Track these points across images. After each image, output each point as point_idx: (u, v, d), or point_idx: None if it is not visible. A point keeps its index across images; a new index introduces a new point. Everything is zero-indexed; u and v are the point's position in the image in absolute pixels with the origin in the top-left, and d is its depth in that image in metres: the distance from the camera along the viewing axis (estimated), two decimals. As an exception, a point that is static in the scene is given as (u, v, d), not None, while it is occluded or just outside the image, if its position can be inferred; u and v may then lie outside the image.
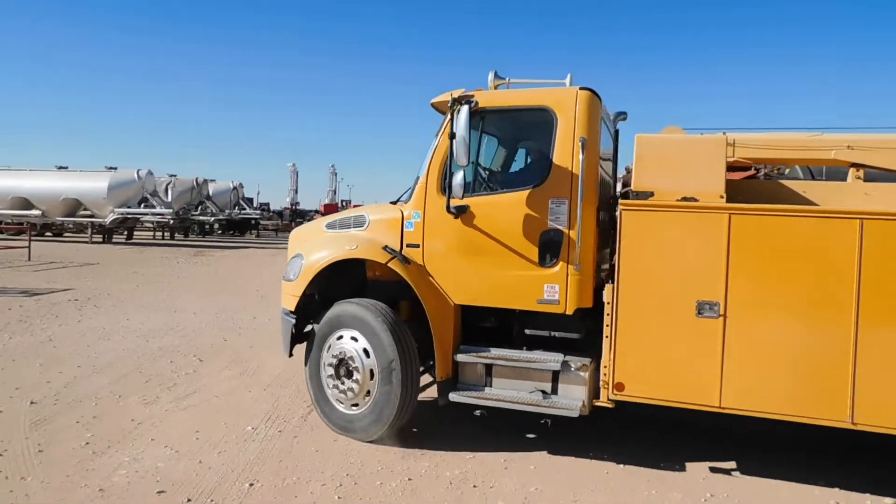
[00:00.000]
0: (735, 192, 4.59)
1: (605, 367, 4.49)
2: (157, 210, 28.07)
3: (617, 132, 5.82)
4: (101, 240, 28.44)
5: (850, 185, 4.86)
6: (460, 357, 4.88)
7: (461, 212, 4.83)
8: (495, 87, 5.27)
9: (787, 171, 6.17)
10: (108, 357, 7.38)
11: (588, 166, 4.57)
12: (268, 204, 52.28)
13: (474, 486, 4.23)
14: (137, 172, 27.99)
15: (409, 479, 4.29)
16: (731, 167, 4.88)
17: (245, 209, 40.01)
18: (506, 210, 4.79)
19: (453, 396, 4.83)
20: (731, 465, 4.72)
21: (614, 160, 5.85)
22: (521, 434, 5.21)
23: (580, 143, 4.57)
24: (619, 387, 4.45)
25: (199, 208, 33.92)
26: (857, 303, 4.01)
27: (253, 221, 39.42)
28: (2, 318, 9.52)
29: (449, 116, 4.82)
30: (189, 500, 3.91)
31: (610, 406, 4.56)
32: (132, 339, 8.36)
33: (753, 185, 5.30)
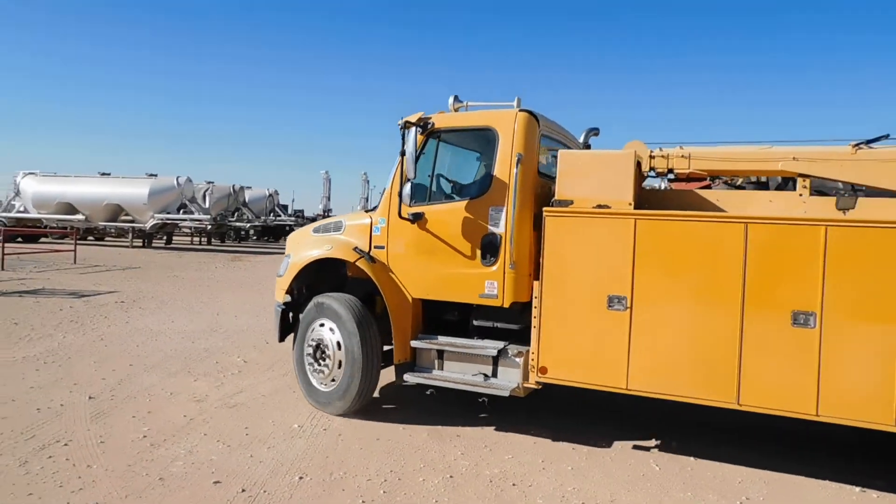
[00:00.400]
0: (652, 201, 5.32)
1: (533, 353, 5.11)
2: (196, 216, 28.72)
3: (588, 146, 6.47)
4: (141, 244, 29.20)
5: (758, 193, 5.53)
6: (415, 343, 5.63)
7: (417, 218, 5.57)
8: (455, 110, 5.90)
9: (739, 180, 6.49)
10: (156, 356, 7.70)
11: (523, 178, 5.24)
12: (302, 211, 52.97)
13: (513, 485, 4.38)
14: (177, 179, 28.73)
15: (451, 477, 4.46)
16: (688, 178, 5.57)
17: (280, 216, 40.73)
18: (455, 217, 5.49)
19: (407, 377, 5.59)
20: (766, 467, 4.79)
21: None
22: (559, 437, 5.34)
23: (516, 158, 5.22)
24: (543, 370, 5.07)
25: (236, 214, 34.59)
26: (742, 297, 4.51)
27: (287, 227, 40.03)
28: (55, 318, 9.94)
29: (401, 136, 5.50)
30: (243, 490, 4.13)
31: (537, 388, 5.16)
32: (178, 340, 8.68)
33: (669, 193, 5.81)
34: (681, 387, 4.68)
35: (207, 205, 31.09)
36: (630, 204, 4.94)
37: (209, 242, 33.45)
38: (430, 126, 5.66)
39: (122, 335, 8.89)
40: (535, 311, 5.10)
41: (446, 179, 6.02)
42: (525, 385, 5.17)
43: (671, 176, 5.51)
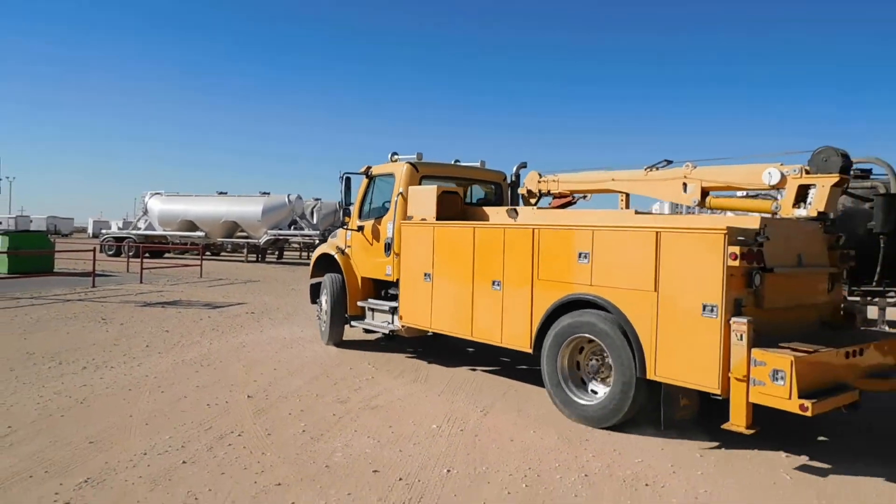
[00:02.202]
0: (468, 215, 8.44)
1: (399, 308, 8.36)
2: (306, 231, 30.26)
3: (518, 176, 9.50)
4: (255, 259, 31.05)
5: (503, 209, 8.20)
6: (360, 303, 9.15)
7: (360, 229, 9.22)
8: (392, 160, 9.10)
9: (585, 197, 8.86)
10: (296, 362, 8.42)
11: (402, 205, 8.50)
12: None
13: (646, 485, 4.65)
14: (288, 197, 30.39)
15: (586, 476, 4.79)
16: (556, 195, 8.72)
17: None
18: (375, 228, 9.01)
19: (353, 323, 9.27)
20: (901, 483, 4.82)
21: (511, 196, 9.53)
22: (686, 444, 5.54)
23: (399, 194, 8.57)
24: (401, 318, 8.30)
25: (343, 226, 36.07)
26: (472, 272, 7.34)
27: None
28: (198, 327, 10.97)
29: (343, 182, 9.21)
30: (400, 479, 4.62)
31: (403, 331, 8.39)
32: (311, 348, 9.42)
33: (475, 210, 8.68)
34: (453, 326, 7.64)
35: (315, 221, 32.70)
36: (434, 218, 8.00)
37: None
38: (369, 172, 9.35)
39: (260, 343, 9.74)
40: (399, 283, 8.37)
41: (371, 205, 9.34)
42: (400, 325, 8.34)
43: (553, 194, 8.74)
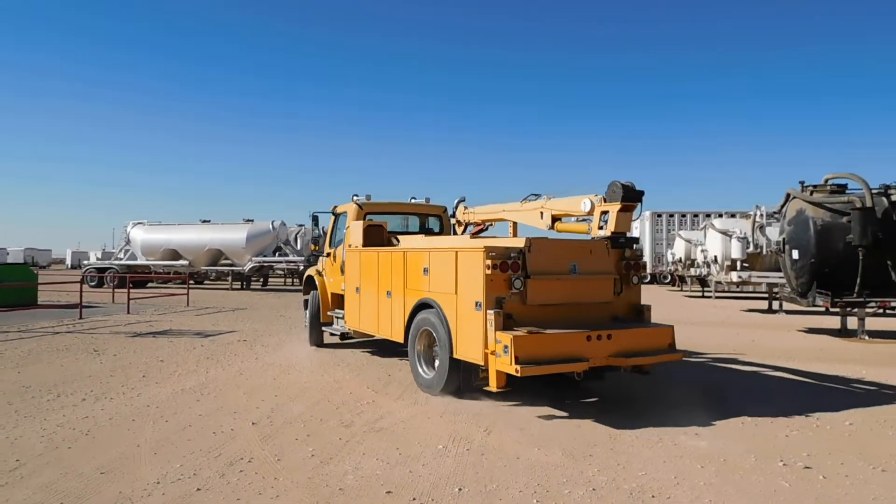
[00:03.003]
0: (380, 244, 10.23)
1: (344, 315, 10.83)
2: (291, 258, 30.27)
3: (456, 207, 11.03)
4: (239, 286, 30.96)
5: (408, 237, 10.70)
6: (329, 313, 11.66)
7: (328, 255, 11.76)
8: (352, 201, 11.29)
9: (492, 225, 10.77)
10: (295, 388, 8.48)
11: (348, 236, 10.75)
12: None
13: (652, 497, 4.79)
14: (272, 223, 30.47)
15: (594, 490, 4.92)
16: (475, 224, 10.59)
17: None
18: (337, 254, 11.37)
19: (325, 328, 11.68)
20: None
21: (446, 227, 11.94)
22: (687, 457, 5.71)
23: (347, 227, 10.90)
24: (346, 322, 10.65)
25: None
26: (377, 284, 9.48)
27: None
28: (192, 356, 10.98)
29: (312, 219, 12.80)
30: (414, 499, 4.71)
31: (351, 332, 10.77)
32: (308, 374, 9.49)
33: (385, 234, 10.51)
34: (370, 327, 9.84)
35: (300, 247, 32.74)
36: (360, 245, 10.16)
37: (301, 283, 35.01)
38: (335, 210, 11.87)
39: (258, 370, 9.78)
40: (345, 296, 10.75)
41: (336, 237, 11.70)
42: (347, 328, 10.73)
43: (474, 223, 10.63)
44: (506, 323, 7.01)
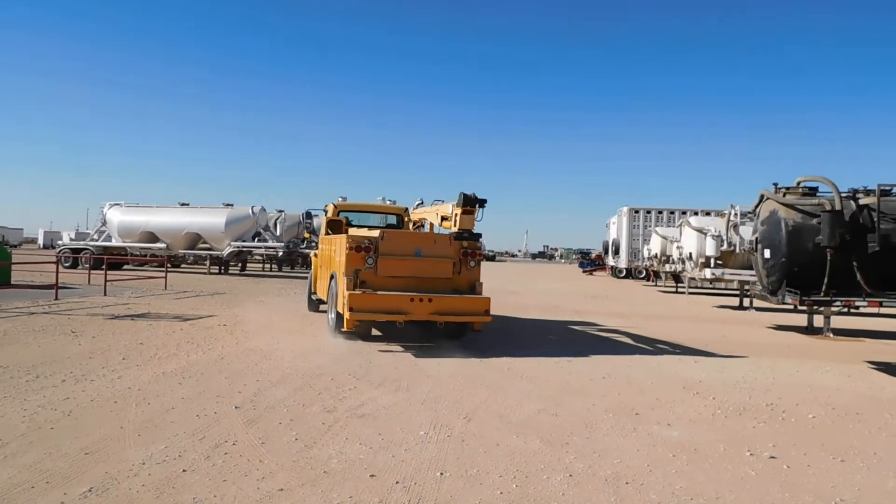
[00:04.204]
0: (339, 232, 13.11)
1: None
2: (270, 244, 30.16)
3: (420, 205, 14.41)
4: (217, 271, 30.78)
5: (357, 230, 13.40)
6: (319, 294, 14.47)
7: (317, 247, 15.69)
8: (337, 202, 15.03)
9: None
10: (277, 374, 8.56)
11: (322, 227, 14.82)
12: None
13: (627, 483, 4.98)
14: (252, 208, 30.30)
15: (571, 476, 5.10)
16: (415, 222, 14.67)
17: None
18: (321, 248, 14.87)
19: (312, 297, 15.44)
20: (856, 475, 5.27)
21: (406, 224, 15.15)
22: (659, 446, 5.93)
23: (324, 222, 14.42)
24: (316, 293, 14.82)
25: (305, 242, 36.04)
26: (330, 266, 12.40)
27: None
28: (172, 340, 10.98)
29: (303, 217, 19.57)
30: (397, 482, 4.85)
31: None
32: (290, 360, 9.56)
33: (343, 227, 13.07)
34: (324, 295, 12.75)
35: (279, 232, 32.62)
36: (328, 233, 13.57)
37: (280, 269, 34.85)
38: (326, 209, 14.84)
39: (239, 354, 9.83)
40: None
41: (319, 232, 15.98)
42: (318, 297, 14.71)
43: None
44: (361, 286, 10.51)
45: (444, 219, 11.81)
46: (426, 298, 10.16)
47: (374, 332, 12.48)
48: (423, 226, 13.96)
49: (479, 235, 10.95)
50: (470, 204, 10.66)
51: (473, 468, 5.20)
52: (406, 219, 15.01)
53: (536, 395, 7.83)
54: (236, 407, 6.85)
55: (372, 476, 4.97)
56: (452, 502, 4.54)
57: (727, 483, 5.05)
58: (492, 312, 10.81)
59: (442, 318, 10.31)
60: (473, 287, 10.97)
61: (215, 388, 7.64)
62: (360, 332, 11.31)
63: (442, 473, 5.07)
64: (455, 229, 10.84)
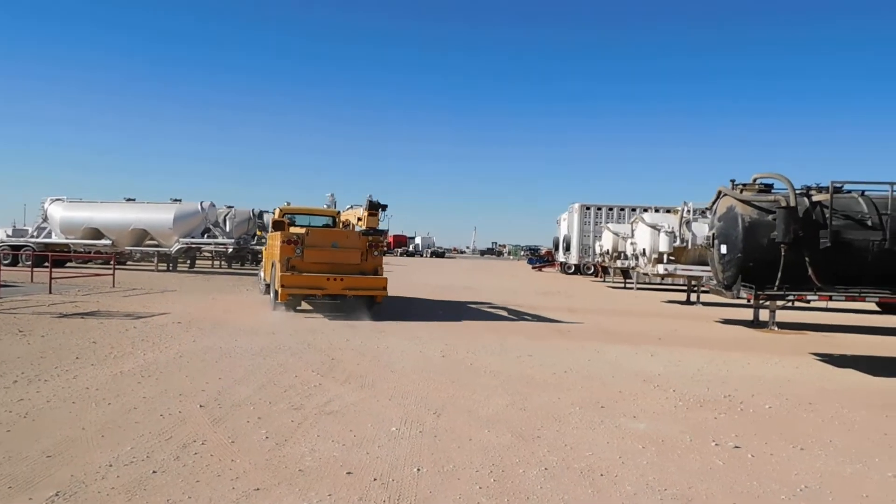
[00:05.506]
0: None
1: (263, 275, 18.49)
2: (220, 240, 29.50)
3: (378, 208, 16.49)
4: (165, 268, 29.96)
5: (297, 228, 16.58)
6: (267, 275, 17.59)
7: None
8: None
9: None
10: (239, 371, 8.40)
11: (270, 226, 17.77)
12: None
13: (601, 475, 5.07)
14: (201, 204, 29.58)
15: (546, 469, 5.16)
16: (343, 221, 18.28)
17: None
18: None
19: (269, 290, 16.25)
20: (816, 462, 5.49)
21: (337, 225, 18.19)
22: (629, 438, 6.05)
23: (271, 222, 17.23)
24: (264, 279, 18.02)
25: (256, 239, 35.39)
26: (271, 255, 15.91)
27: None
28: (126, 338, 10.65)
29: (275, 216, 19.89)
30: (375, 479, 4.82)
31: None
32: (250, 357, 9.39)
33: (285, 226, 15.90)
34: (269, 279, 15.79)
35: (229, 229, 31.93)
36: (273, 231, 16.16)
37: (230, 266, 34.15)
38: (274, 210, 18.65)
39: (197, 352, 9.60)
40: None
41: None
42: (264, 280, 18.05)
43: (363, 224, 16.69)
44: (291, 270, 13.97)
45: (359, 219, 16.23)
46: (339, 278, 13.83)
47: (304, 305, 16.13)
48: (349, 224, 17.60)
49: (383, 232, 15.16)
50: (374, 208, 15.71)
51: (449, 463, 5.21)
52: (337, 219, 18.15)
53: (503, 389, 7.90)
54: (201, 405, 6.69)
55: (349, 473, 4.93)
56: (433, 498, 4.54)
57: (697, 473, 5.19)
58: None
59: (351, 292, 14.06)
60: (376, 270, 14.75)
61: (177, 387, 7.45)
62: (293, 305, 14.81)
63: (419, 469, 5.06)
64: (363, 227, 15.56)
